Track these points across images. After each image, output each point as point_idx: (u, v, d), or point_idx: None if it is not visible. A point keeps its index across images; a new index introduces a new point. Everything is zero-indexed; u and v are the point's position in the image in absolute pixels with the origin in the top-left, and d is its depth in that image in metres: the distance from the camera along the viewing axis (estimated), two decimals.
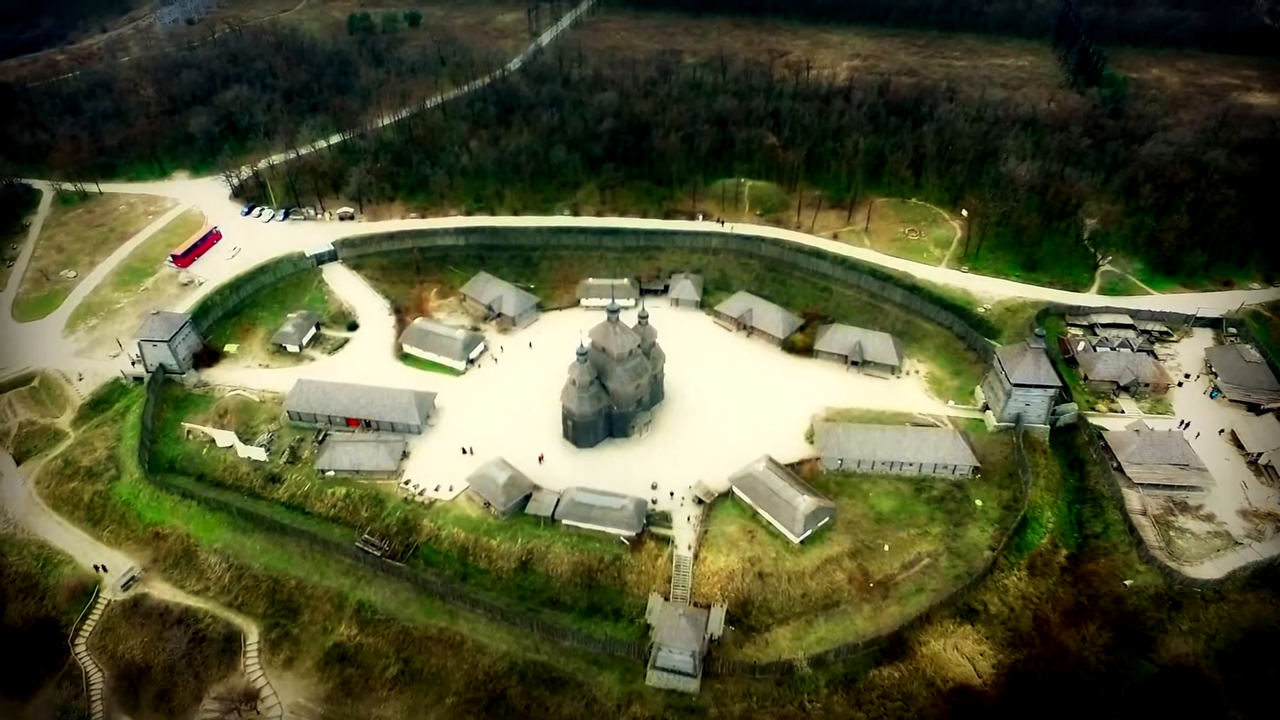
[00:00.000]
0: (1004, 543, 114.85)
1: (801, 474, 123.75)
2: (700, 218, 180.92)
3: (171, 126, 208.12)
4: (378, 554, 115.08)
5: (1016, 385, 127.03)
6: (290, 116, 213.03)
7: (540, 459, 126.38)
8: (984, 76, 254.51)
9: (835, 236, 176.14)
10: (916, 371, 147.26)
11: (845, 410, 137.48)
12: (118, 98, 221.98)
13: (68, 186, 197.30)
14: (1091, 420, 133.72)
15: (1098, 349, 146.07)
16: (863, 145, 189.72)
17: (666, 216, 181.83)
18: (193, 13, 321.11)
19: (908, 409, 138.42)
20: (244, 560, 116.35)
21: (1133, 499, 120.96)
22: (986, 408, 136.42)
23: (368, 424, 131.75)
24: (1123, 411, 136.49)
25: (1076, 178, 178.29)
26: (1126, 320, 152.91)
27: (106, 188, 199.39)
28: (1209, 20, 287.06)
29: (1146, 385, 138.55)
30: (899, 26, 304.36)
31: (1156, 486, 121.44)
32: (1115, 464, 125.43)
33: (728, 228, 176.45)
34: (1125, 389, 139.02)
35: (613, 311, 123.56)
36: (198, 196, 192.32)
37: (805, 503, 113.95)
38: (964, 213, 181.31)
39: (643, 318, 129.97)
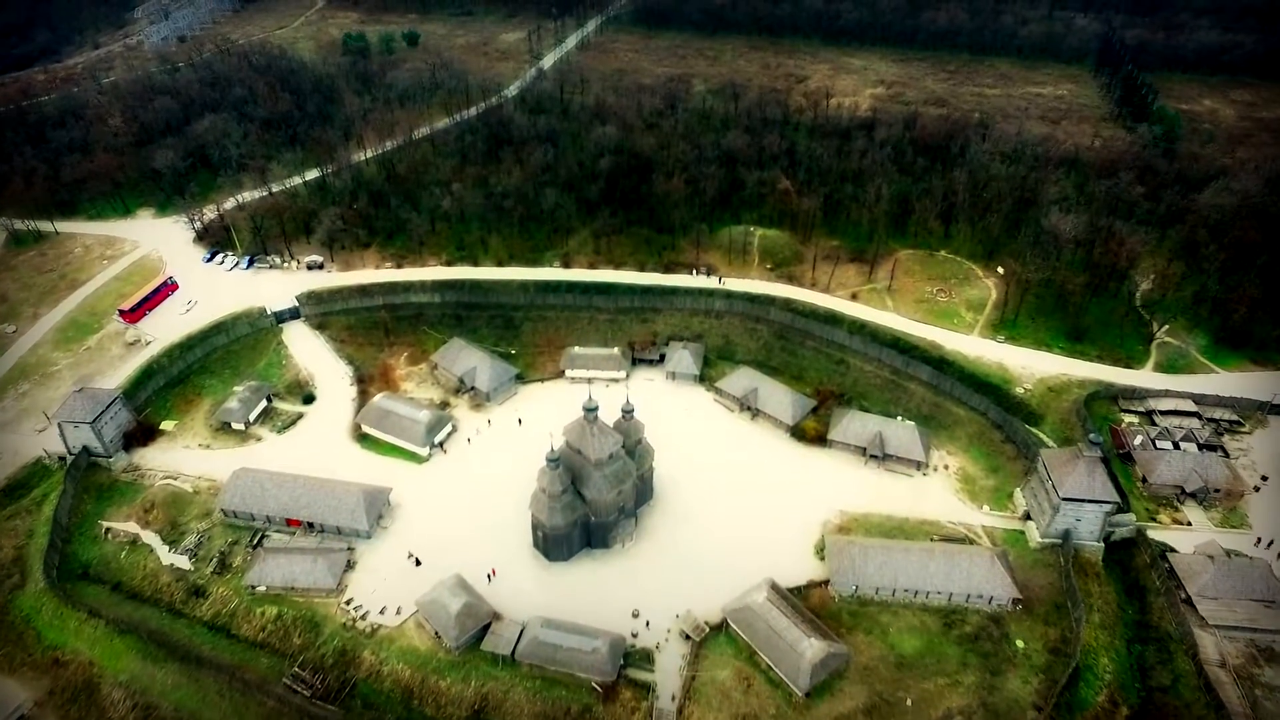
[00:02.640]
0: (1052, 700, 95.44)
1: (809, 604, 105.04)
2: (704, 271, 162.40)
3: (138, 160, 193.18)
4: (307, 694, 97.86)
5: (1067, 500, 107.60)
6: (266, 149, 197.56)
7: (490, 576, 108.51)
8: (1019, 108, 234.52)
9: (854, 296, 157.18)
10: (946, 467, 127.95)
11: (862, 517, 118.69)
12: (85, 126, 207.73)
13: (22, 225, 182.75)
14: (1152, 534, 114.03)
15: (1157, 443, 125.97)
16: (887, 191, 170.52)
17: (667, 270, 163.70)
18: (185, 30, 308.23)
19: (935, 516, 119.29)
20: (152, 698, 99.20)
21: (1207, 644, 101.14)
22: (1028, 516, 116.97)
23: (311, 525, 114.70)
24: (1189, 524, 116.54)
25: (1128, 232, 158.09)
26: (1190, 407, 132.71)
27: (65, 227, 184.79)
28: (1266, 45, 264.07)
29: (1217, 492, 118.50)
30: (926, 49, 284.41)
31: (1237, 629, 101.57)
32: (1184, 596, 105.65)
33: (724, 284, 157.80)
34: (1192, 495, 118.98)
35: (590, 410, 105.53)
36: (159, 239, 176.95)
37: (812, 648, 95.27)
38: (1000, 270, 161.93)
39: (627, 412, 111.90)
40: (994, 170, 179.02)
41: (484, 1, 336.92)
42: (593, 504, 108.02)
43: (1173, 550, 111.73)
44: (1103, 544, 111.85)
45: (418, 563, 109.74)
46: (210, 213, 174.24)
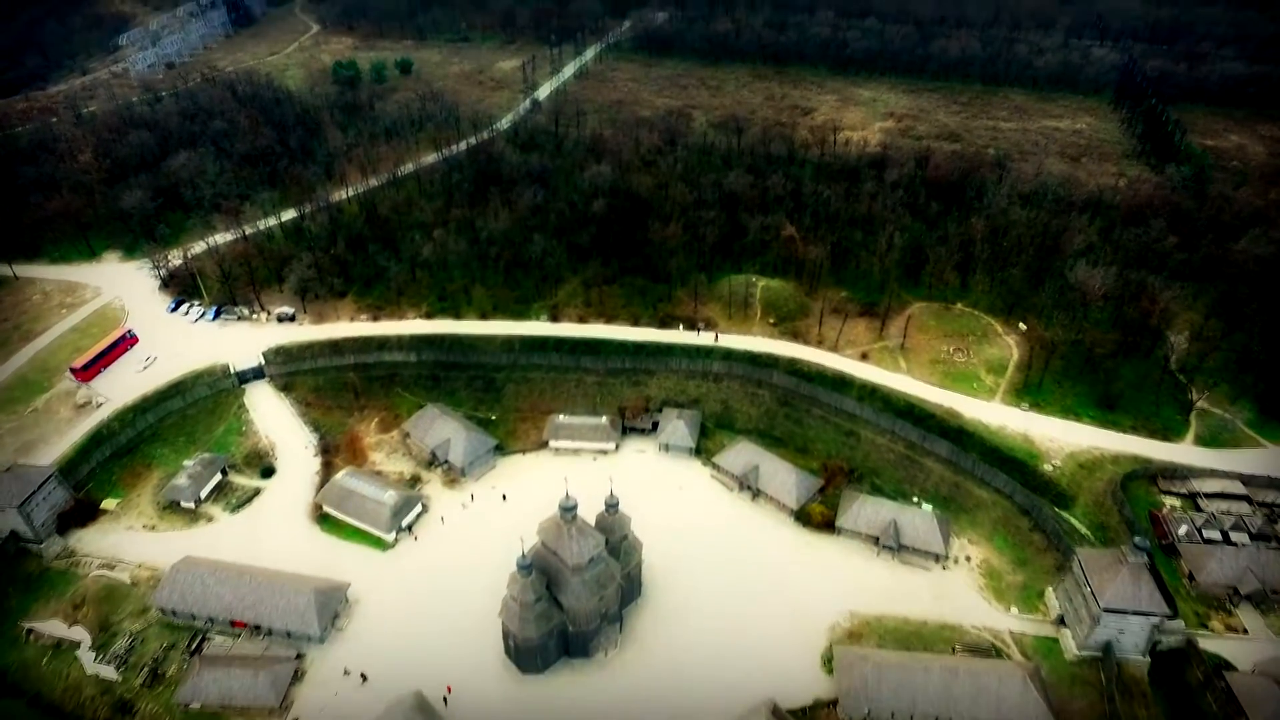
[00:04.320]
0: None
1: None
2: (702, 328, 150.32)
3: (108, 198, 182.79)
4: None
5: (1109, 610, 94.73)
6: (242, 187, 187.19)
7: (447, 697, 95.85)
8: (1036, 143, 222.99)
9: (864, 356, 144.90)
10: (968, 558, 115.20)
11: (875, 620, 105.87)
12: (55, 162, 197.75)
13: None
14: (1204, 642, 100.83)
15: (1204, 532, 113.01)
16: (899, 240, 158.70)
17: (662, 324, 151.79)
18: (174, 56, 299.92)
19: (957, 619, 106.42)
20: None
21: None
22: (1062, 621, 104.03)
23: (257, 628, 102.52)
24: (1245, 631, 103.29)
25: (1160, 287, 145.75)
26: (1238, 489, 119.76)
27: (25, 271, 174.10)
28: None
29: (1276, 593, 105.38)
30: (938, 79, 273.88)
31: None
32: None
33: (719, 341, 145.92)
34: (1247, 598, 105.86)
35: (567, 509, 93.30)
36: (123, 286, 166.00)
37: None
38: (1021, 326, 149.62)
39: (611, 506, 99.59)
40: (1013, 215, 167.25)
41: (482, 28, 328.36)
42: (571, 612, 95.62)
43: (1229, 667, 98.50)
44: (1148, 657, 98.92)
45: (364, 679, 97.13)
46: (176, 259, 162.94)
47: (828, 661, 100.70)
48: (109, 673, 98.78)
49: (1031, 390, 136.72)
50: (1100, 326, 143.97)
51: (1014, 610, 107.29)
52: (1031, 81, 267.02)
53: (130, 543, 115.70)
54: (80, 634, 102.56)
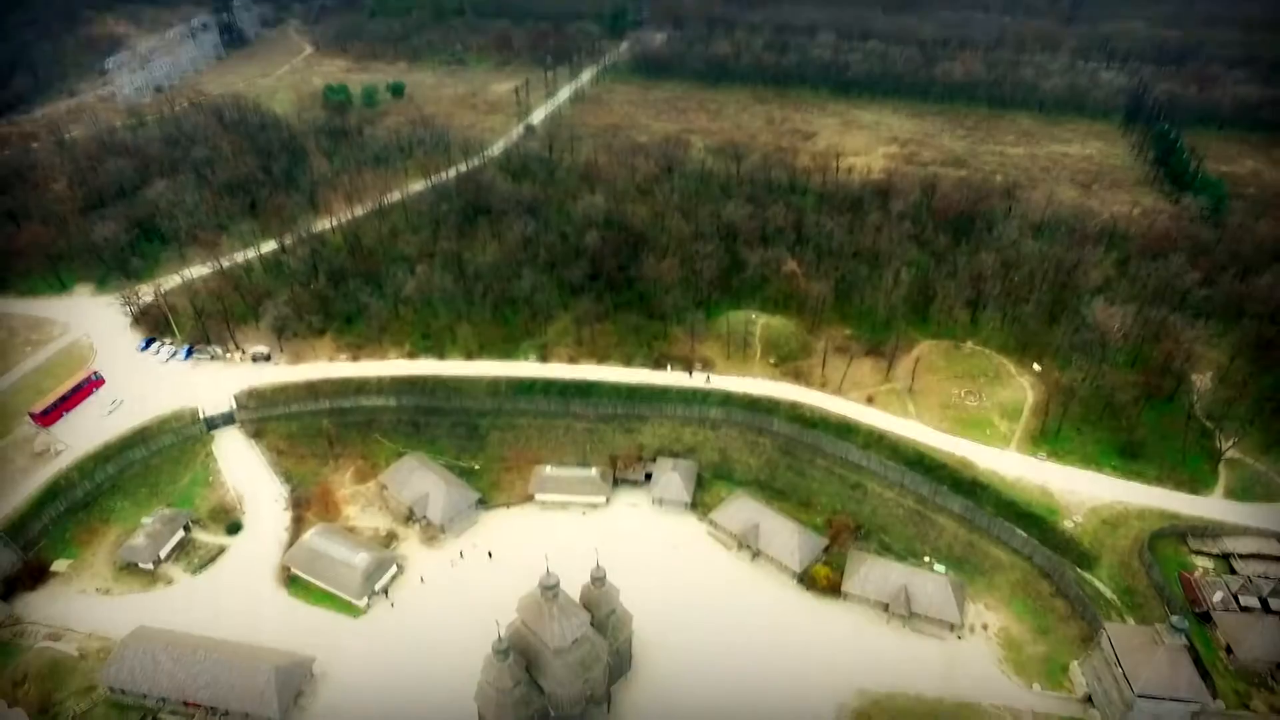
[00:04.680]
0: None
1: None
2: (699, 370, 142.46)
3: (82, 229, 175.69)
4: None
5: (1143, 697, 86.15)
6: (220, 218, 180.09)
7: None
8: (1045, 169, 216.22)
9: (870, 400, 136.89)
10: (984, 626, 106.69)
11: (886, 699, 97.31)
12: (29, 190, 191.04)
13: None
14: None
15: (1240, 598, 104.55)
16: (906, 275, 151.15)
17: (657, 365, 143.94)
18: (163, 80, 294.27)
19: (975, 695, 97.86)
20: None
21: None
22: (1090, 700, 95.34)
23: (213, 710, 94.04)
24: None
25: (1182, 325, 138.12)
26: (1276, 549, 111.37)
27: None
28: None
29: None
30: (942, 102, 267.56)
31: None
32: None
33: (710, 382, 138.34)
34: None
35: (549, 588, 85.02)
36: (93, 322, 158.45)
37: None
38: (1036, 367, 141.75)
39: (597, 579, 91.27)
40: (1024, 248, 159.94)
41: (476, 49, 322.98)
42: (552, 697, 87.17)
43: None
44: None
45: None
46: (148, 294, 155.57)
47: None
48: None
49: (1049, 437, 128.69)
50: (1120, 368, 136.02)
51: (1037, 686, 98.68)
52: (1038, 105, 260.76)
53: (81, 609, 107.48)
54: (19, 717, 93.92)
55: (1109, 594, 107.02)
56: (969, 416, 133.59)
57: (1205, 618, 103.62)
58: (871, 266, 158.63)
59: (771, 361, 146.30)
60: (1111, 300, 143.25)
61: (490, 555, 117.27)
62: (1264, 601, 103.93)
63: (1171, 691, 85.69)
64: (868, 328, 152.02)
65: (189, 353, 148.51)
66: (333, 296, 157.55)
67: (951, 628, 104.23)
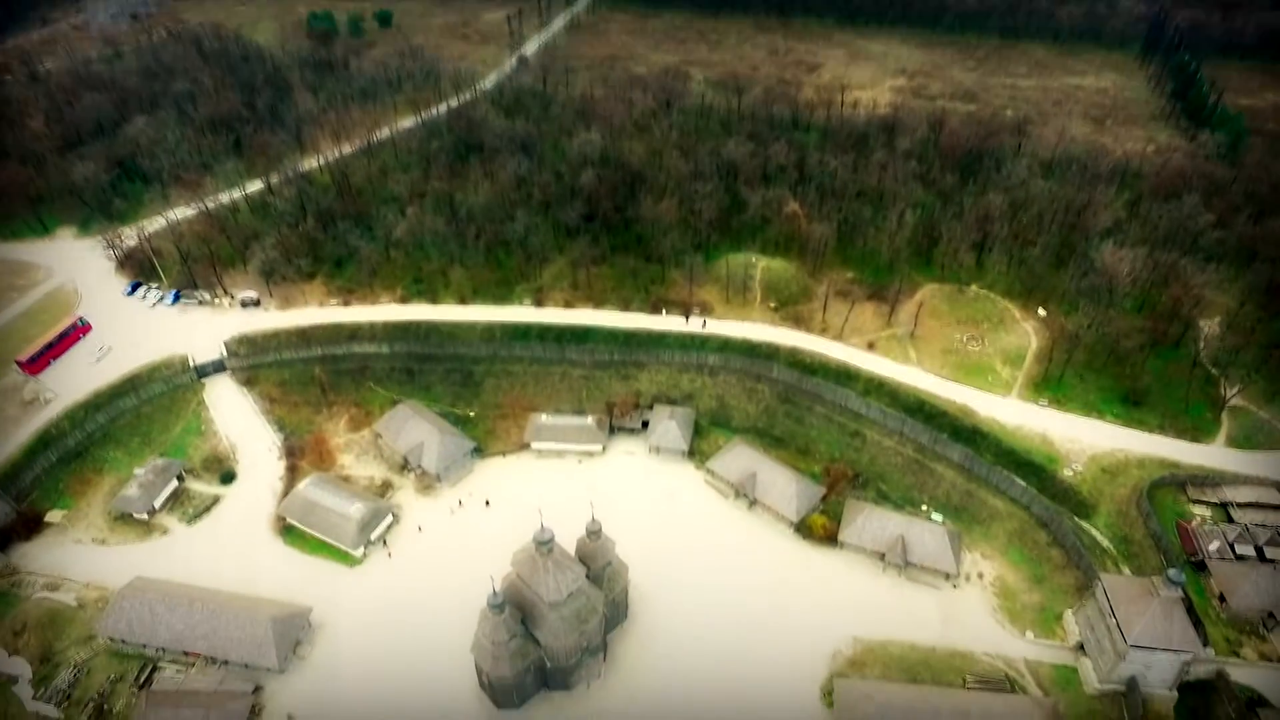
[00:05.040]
0: None
1: None
2: (697, 313, 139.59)
3: (61, 169, 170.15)
4: None
5: (1137, 647, 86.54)
6: (204, 156, 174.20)
7: None
8: (1058, 103, 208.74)
9: (871, 346, 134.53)
10: (980, 575, 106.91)
11: (880, 647, 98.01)
12: (5, 128, 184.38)
13: None
14: (1234, 671, 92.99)
15: (1236, 547, 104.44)
16: (911, 217, 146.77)
17: (654, 310, 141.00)
18: (139, 6, 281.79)
19: (968, 645, 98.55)
20: None
21: None
22: (1082, 648, 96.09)
23: (213, 659, 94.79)
24: None
25: (1194, 270, 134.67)
26: (1276, 498, 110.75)
27: None
28: None
29: None
30: (953, 32, 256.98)
31: None
32: None
33: (706, 327, 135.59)
34: None
35: (543, 542, 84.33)
36: (77, 266, 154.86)
37: None
38: (1041, 312, 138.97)
39: (593, 533, 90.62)
40: (1033, 188, 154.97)
41: None
42: (548, 649, 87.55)
43: (1262, 701, 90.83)
44: (1175, 692, 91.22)
45: None
46: (131, 238, 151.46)
47: (827, 695, 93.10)
48: (50, 710, 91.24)
49: (1051, 384, 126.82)
50: (1127, 314, 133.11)
51: (1030, 635, 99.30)
52: (1053, 34, 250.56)
53: (78, 559, 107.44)
54: (20, 666, 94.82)
55: (1106, 543, 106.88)
56: (971, 363, 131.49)
57: (1200, 566, 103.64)
58: (875, 207, 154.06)
59: (771, 306, 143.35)
60: (1121, 243, 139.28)
61: (487, 504, 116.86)
62: (1260, 550, 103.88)
63: (1164, 643, 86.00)
64: (870, 271, 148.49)
65: (176, 298, 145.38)
66: (322, 239, 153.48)
67: (947, 577, 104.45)
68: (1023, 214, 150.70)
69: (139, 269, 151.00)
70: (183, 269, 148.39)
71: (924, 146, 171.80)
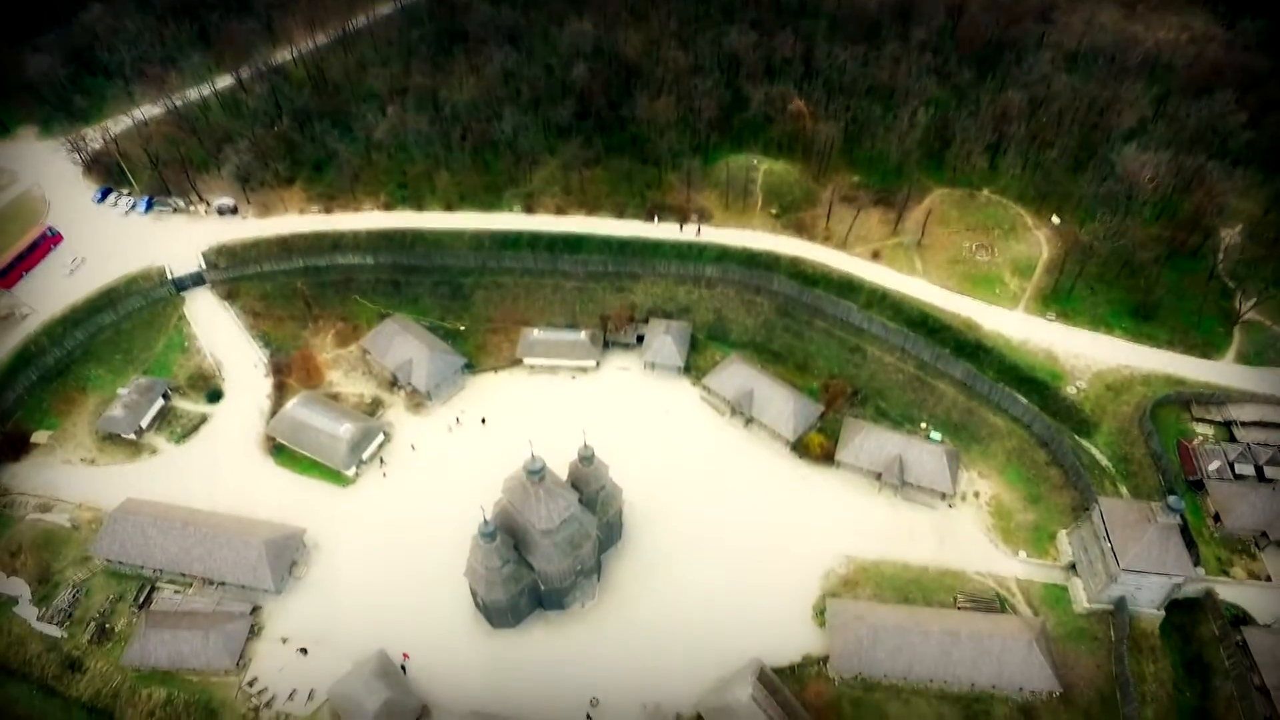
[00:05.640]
0: None
1: (804, 693, 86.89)
2: (695, 221, 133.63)
3: (12, 63, 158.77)
4: None
5: (1129, 571, 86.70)
6: (168, 47, 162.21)
7: (405, 663, 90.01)
8: None
9: (875, 255, 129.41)
10: (976, 494, 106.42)
11: (873, 566, 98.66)
12: None
13: None
14: (1223, 589, 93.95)
15: (1236, 466, 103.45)
16: (923, 117, 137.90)
17: (650, 216, 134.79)
18: None
19: (961, 564, 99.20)
20: None
21: None
22: (1074, 568, 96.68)
23: (209, 580, 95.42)
24: (1268, 579, 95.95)
25: (1222, 174, 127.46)
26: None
27: None
28: None
29: None
30: None
31: None
32: (1259, 684, 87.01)
33: (700, 235, 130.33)
34: (1277, 543, 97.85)
35: (534, 472, 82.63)
36: (42, 170, 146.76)
37: None
38: (1055, 219, 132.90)
39: (585, 459, 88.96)
40: (1055, 84, 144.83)
41: None
42: (542, 574, 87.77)
43: (1248, 619, 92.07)
44: (1163, 611, 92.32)
45: (303, 652, 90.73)
46: (96, 139, 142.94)
47: (820, 612, 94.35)
48: (51, 629, 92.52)
49: (1061, 296, 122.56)
50: (1145, 222, 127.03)
51: (1023, 555, 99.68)
52: None
53: (68, 479, 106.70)
54: (19, 587, 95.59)
55: (1105, 462, 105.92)
56: (979, 273, 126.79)
57: (1199, 486, 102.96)
58: (886, 106, 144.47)
59: (773, 212, 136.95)
60: (1145, 145, 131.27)
61: (484, 422, 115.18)
62: (1259, 470, 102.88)
63: (1158, 568, 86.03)
64: (878, 175, 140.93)
65: (149, 205, 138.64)
66: (299, 140, 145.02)
67: (943, 497, 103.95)
68: (1042, 113, 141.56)
69: (107, 173, 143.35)
70: (153, 174, 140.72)
71: (940, 36, 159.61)
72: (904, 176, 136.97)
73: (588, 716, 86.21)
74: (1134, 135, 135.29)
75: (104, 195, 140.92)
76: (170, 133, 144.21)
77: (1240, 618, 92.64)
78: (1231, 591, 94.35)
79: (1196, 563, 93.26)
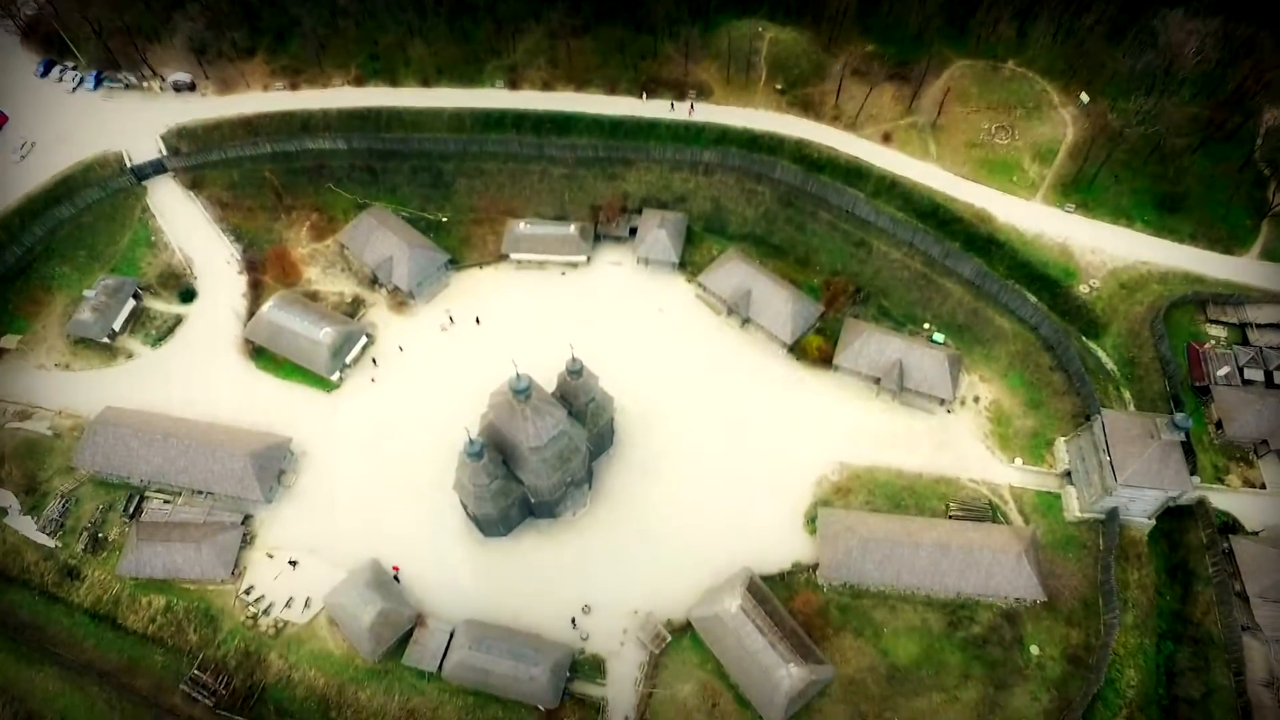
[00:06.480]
0: None
1: (793, 601, 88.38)
2: (694, 96, 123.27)
3: None
4: (209, 700, 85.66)
5: (1127, 487, 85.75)
6: None
7: (397, 574, 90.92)
8: None
9: (887, 138, 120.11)
10: (976, 399, 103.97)
11: (866, 472, 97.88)
12: None
13: None
14: (1216, 497, 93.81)
15: (1245, 371, 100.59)
16: None
17: (645, 91, 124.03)
18: None
19: (955, 471, 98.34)
20: (34, 705, 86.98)
21: (1256, 656, 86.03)
22: (1069, 475, 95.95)
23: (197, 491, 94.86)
24: (1263, 487, 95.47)
25: (1274, 45, 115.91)
26: None
27: None
28: None
29: None
30: None
31: None
32: (1239, 589, 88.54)
33: (694, 113, 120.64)
34: (1277, 452, 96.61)
35: (520, 391, 79.37)
36: None
37: (791, 677, 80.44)
38: (1083, 98, 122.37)
39: (574, 373, 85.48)
40: None
41: None
42: (532, 488, 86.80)
43: (1235, 529, 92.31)
44: (1153, 520, 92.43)
45: (293, 564, 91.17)
46: (29, 3, 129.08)
47: (812, 520, 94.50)
48: (45, 539, 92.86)
49: (1082, 186, 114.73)
50: (1182, 102, 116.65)
51: (1018, 462, 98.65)
52: None
53: (44, 385, 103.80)
54: (7, 497, 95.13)
55: (1111, 365, 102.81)
56: (996, 158, 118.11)
57: (1204, 391, 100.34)
58: None
59: (778, 88, 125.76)
60: (1194, 12, 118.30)
61: (478, 321, 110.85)
62: (1269, 375, 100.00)
63: (1156, 484, 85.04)
64: (895, 44, 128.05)
65: (98, 81, 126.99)
66: (257, 5, 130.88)
67: (942, 402, 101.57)
68: None
69: (47, 44, 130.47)
70: (98, 44, 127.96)
71: None
72: (923, 45, 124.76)
73: (573, 621, 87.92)
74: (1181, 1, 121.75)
75: (46, 69, 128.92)
76: None
77: (1229, 524, 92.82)
78: (1224, 499, 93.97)
79: (1193, 471, 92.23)
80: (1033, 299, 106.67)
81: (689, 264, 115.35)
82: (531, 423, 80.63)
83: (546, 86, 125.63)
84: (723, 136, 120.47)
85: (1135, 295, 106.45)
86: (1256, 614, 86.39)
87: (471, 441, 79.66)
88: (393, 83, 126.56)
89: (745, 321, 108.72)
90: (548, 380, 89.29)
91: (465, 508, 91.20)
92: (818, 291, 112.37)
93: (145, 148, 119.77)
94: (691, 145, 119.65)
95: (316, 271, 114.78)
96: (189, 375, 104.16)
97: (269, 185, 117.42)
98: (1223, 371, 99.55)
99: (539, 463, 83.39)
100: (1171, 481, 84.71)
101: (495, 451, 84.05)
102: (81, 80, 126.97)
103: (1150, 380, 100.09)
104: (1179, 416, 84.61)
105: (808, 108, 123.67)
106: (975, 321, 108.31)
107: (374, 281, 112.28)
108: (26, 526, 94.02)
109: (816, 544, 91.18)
